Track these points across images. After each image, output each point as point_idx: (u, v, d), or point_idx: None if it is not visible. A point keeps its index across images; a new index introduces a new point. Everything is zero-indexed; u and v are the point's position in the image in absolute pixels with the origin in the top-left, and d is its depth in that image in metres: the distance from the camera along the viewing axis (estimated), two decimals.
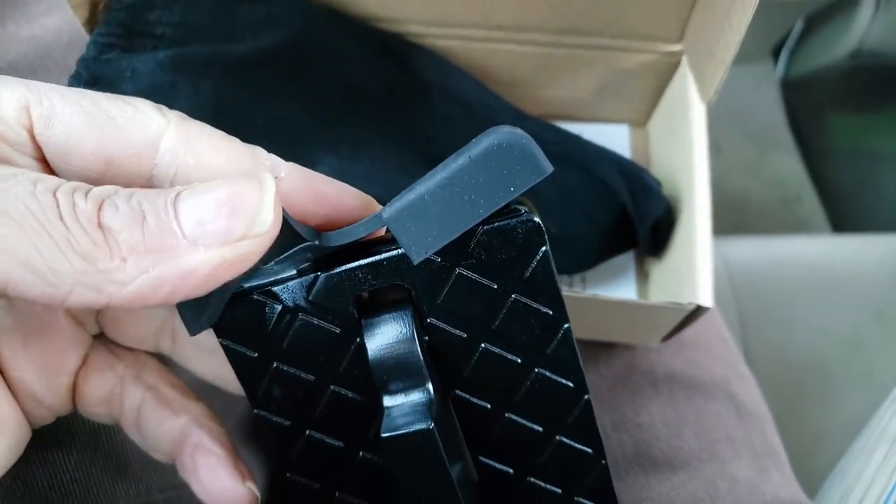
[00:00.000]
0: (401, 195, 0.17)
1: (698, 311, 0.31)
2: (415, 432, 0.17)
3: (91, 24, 0.31)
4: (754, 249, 0.64)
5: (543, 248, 0.18)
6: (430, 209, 0.16)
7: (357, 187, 0.20)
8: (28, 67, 0.43)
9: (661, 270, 0.38)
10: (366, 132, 0.35)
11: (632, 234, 0.36)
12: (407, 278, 0.18)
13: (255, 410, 0.20)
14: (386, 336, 0.18)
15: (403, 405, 0.18)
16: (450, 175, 0.16)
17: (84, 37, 0.32)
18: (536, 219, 0.17)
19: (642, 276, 0.40)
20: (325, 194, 0.19)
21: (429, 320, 0.19)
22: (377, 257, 0.18)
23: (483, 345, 0.19)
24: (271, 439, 0.20)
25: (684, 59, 0.37)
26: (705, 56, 0.33)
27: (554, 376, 0.20)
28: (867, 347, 0.58)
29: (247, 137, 0.19)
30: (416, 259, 0.17)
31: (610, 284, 0.40)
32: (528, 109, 0.41)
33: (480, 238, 0.18)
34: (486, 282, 0.18)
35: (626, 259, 0.40)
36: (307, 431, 0.20)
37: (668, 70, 0.39)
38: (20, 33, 0.45)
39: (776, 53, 1.04)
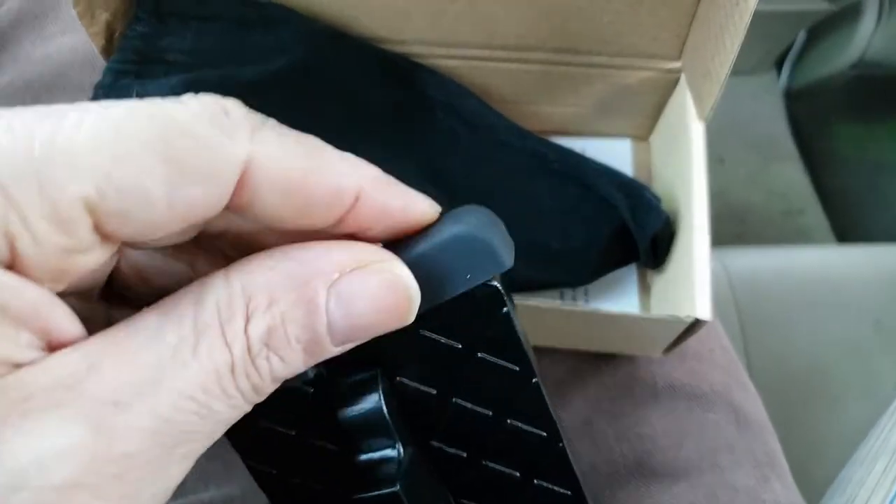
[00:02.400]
0: None
1: (697, 325, 0.32)
2: (381, 495, 0.18)
3: (108, 51, 0.33)
4: (756, 260, 0.65)
5: (504, 310, 0.18)
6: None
7: None
8: (44, 87, 0.44)
9: (662, 282, 0.39)
10: (372, 149, 0.36)
11: (632, 248, 0.37)
12: (372, 340, 0.18)
13: (245, 461, 0.20)
14: (355, 396, 0.19)
15: (373, 462, 0.19)
16: (412, 260, 0.17)
17: (99, 55, 0.34)
18: (495, 283, 0.18)
19: (644, 288, 0.41)
20: (393, 210, 0.17)
21: (398, 378, 0.19)
22: None
23: (454, 399, 0.20)
24: (260, 485, 0.21)
25: (683, 76, 0.38)
26: (701, 75, 0.34)
27: (527, 427, 0.20)
28: (868, 356, 0.58)
29: None
30: None
31: (612, 296, 0.41)
32: (532, 125, 0.42)
33: (441, 303, 0.18)
34: (450, 342, 0.19)
35: (629, 271, 0.41)
36: (293, 479, 0.21)
37: (668, 86, 0.40)
38: (35, 53, 0.46)
39: (779, 65, 1.05)
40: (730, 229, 0.88)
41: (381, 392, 0.19)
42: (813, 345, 0.59)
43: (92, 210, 0.13)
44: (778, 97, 1.03)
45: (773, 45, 0.99)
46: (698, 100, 0.34)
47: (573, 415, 0.38)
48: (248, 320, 0.15)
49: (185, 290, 0.15)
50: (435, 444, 0.21)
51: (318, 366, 0.17)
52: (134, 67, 0.32)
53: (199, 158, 0.14)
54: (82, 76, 0.44)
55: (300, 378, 0.19)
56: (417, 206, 0.17)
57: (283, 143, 0.16)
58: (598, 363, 0.39)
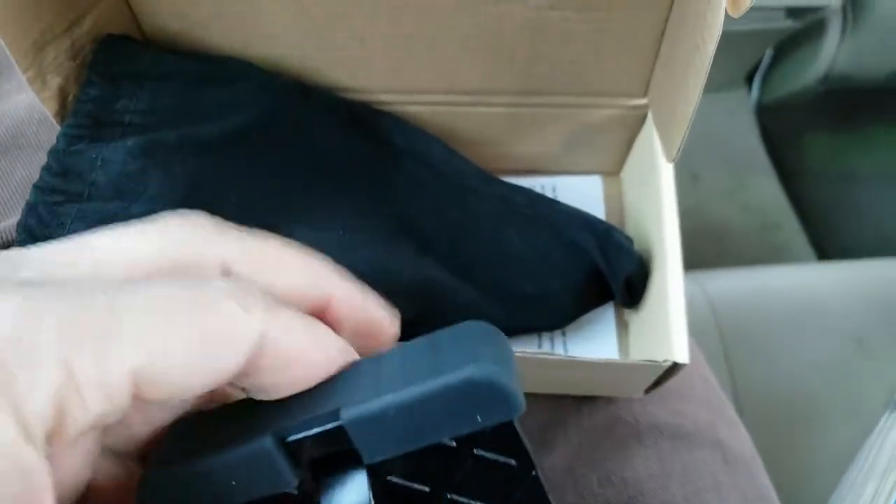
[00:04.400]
0: (363, 398, 0.16)
1: (676, 367, 0.32)
2: None
3: (61, 115, 0.32)
4: (735, 281, 0.65)
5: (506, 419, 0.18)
6: (391, 422, 0.16)
7: (331, 256, 0.19)
8: (0, 146, 0.43)
9: (639, 321, 0.38)
10: (338, 201, 0.36)
11: (606, 290, 0.36)
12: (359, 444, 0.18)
13: None
14: (340, 497, 0.18)
15: None
16: (419, 397, 0.16)
17: None
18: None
19: (622, 326, 0.40)
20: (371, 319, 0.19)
21: (388, 478, 0.19)
22: (326, 427, 0.17)
23: (448, 495, 0.19)
24: None
25: (650, 113, 0.38)
26: (668, 115, 0.34)
27: None
28: (852, 376, 0.58)
29: (221, 215, 0.18)
30: (367, 461, 0.17)
31: (590, 336, 0.40)
32: (500, 165, 0.42)
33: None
34: (444, 441, 0.18)
35: (606, 310, 0.40)
36: None
37: (636, 122, 0.40)
38: None
39: (749, 80, 1.06)
40: (707, 247, 0.88)
41: (370, 494, 0.18)
42: (797, 366, 0.59)
43: (137, 378, 0.14)
44: (750, 112, 1.04)
45: (742, 63, 1.00)
46: (666, 141, 0.34)
47: (555, 461, 0.37)
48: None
49: None
50: None
51: (302, 466, 0.17)
52: (88, 131, 0.32)
53: (225, 332, 0.15)
54: (39, 134, 0.43)
55: (285, 484, 0.18)
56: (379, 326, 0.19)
57: (289, 318, 0.17)
58: (579, 405, 0.38)
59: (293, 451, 0.17)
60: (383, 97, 0.38)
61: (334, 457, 0.18)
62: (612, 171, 0.44)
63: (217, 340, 0.15)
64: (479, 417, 0.16)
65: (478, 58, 0.36)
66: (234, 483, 0.17)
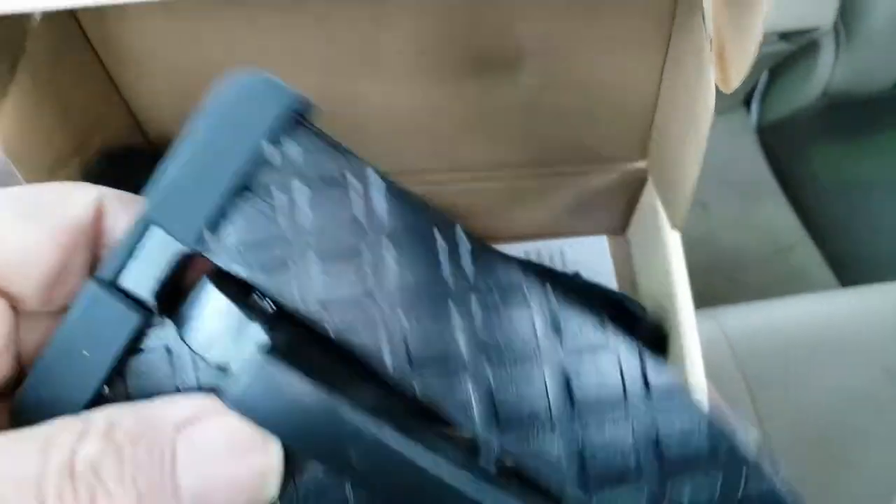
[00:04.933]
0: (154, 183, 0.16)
1: None
2: None
3: None
4: (754, 316, 0.64)
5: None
6: (189, 186, 0.15)
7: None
8: None
9: None
10: None
11: None
12: None
13: None
14: (201, 320, 0.16)
15: None
16: (199, 143, 0.15)
17: None
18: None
19: None
20: None
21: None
22: (137, 234, 0.16)
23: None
24: None
25: (650, 179, 0.38)
26: (668, 185, 0.34)
27: None
28: (884, 405, 0.57)
29: None
30: (192, 246, 0.15)
31: None
32: (506, 233, 0.42)
33: None
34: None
35: None
36: None
37: (637, 184, 0.40)
38: None
39: (747, 103, 1.06)
40: (721, 276, 0.87)
41: (227, 300, 0.16)
42: (825, 400, 0.58)
43: None
44: (751, 134, 1.04)
45: (739, 87, 1.00)
46: (668, 208, 0.34)
47: None
48: (80, 437, 0.14)
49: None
50: None
51: (149, 306, 0.16)
52: None
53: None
54: None
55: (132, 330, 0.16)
56: None
57: None
58: None
59: (131, 293, 0.16)
60: None
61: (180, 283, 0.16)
62: (617, 230, 0.44)
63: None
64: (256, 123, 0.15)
65: (476, 138, 0.36)
66: (86, 353, 0.16)
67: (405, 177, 0.39)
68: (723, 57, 0.27)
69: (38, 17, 0.29)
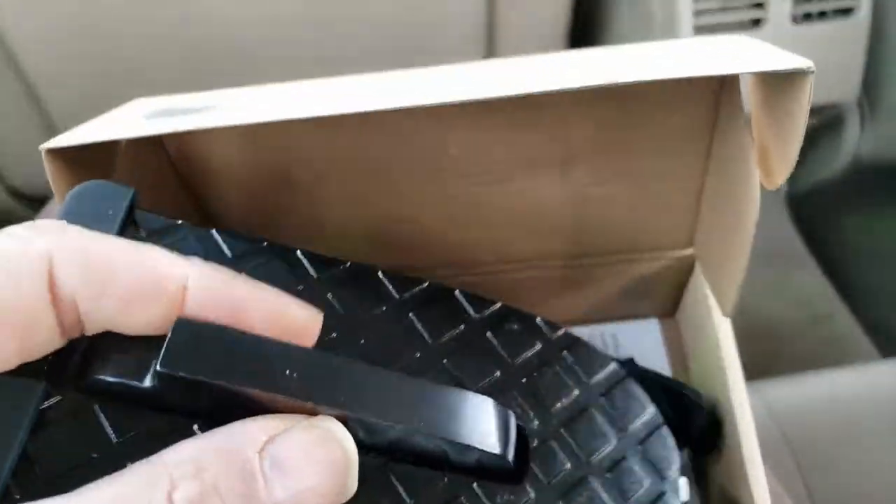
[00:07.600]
0: None
1: None
2: None
3: None
4: (799, 390, 0.63)
5: None
6: None
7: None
8: None
9: (716, 473, 0.38)
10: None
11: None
12: None
13: None
14: None
15: None
16: None
17: None
18: None
19: (699, 473, 0.40)
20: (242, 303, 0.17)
21: None
22: None
23: None
24: None
25: (698, 265, 0.39)
26: (717, 268, 0.35)
27: None
28: None
29: None
30: None
31: None
32: (558, 318, 0.43)
33: None
34: None
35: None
36: None
37: (685, 269, 0.41)
38: None
39: None
40: (760, 348, 0.87)
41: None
42: (876, 476, 0.57)
43: None
44: (781, 203, 1.05)
45: None
46: (720, 297, 0.35)
47: None
48: (173, 487, 0.14)
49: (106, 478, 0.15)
50: None
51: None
52: None
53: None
54: None
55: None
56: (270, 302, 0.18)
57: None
58: None
59: None
60: (439, 272, 0.40)
61: None
62: (667, 313, 0.44)
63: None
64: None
65: (526, 233, 0.38)
66: None
67: (459, 269, 0.40)
68: (766, 157, 0.29)
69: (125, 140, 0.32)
